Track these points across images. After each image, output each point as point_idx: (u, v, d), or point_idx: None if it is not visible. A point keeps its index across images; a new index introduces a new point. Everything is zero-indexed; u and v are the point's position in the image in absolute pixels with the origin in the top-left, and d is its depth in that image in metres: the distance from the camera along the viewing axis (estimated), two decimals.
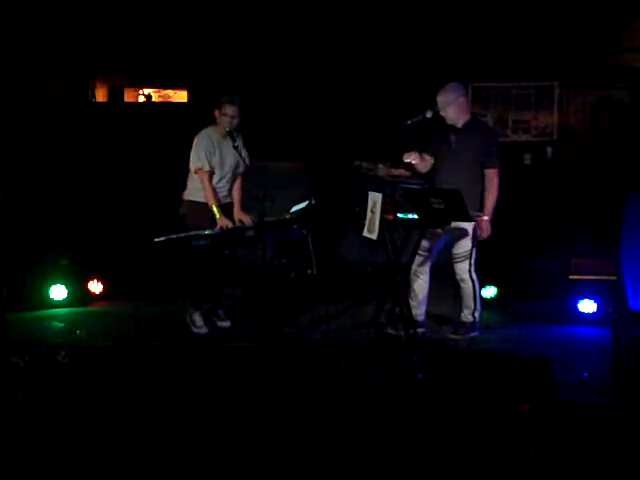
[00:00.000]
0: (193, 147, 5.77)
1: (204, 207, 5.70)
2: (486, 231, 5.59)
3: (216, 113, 5.75)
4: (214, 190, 5.73)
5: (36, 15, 7.83)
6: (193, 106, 5.88)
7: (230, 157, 5.82)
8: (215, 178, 5.78)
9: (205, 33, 8.27)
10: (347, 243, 7.57)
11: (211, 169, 5.72)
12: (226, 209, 5.78)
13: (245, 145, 5.84)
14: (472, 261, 5.64)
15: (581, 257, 6.67)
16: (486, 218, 5.54)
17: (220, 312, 6.08)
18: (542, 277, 7.35)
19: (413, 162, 5.65)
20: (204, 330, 5.87)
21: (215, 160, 5.75)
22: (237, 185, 5.98)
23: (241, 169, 5.90)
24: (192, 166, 5.75)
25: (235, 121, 5.72)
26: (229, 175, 5.86)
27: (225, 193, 5.88)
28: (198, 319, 5.90)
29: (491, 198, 5.60)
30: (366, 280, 7.24)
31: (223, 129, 5.75)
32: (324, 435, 3.77)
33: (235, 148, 5.73)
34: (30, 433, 3.81)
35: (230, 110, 5.70)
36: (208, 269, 5.84)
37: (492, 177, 5.59)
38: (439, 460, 3.55)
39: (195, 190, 5.78)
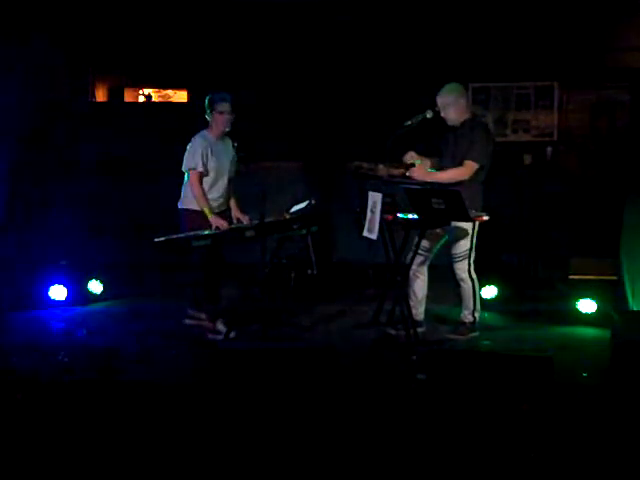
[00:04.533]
0: (188, 149, 5.73)
1: (201, 213, 5.66)
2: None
3: (210, 116, 5.72)
4: (203, 191, 5.68)
5: (36, 15, 7.83)
6: (193, 106, 5.86)
7: (227, 161, 5.80)
8: (212, 182, 5.74)
9: (205, 33, 8.27)
10: (347, 243, 7.57)
11: (203, 171, 5.65)
12: (223, 216, 5.73)
13: (234, 148, 5.84)
14: (471, 261, 5.64)
15: (581, 257, 6.67)
16: (486, 218, 5.53)
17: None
18: (542, 277, 7.36)
19: (411, 161, 5.64)
20: (221, 337, 5.79)
21: (212, 164, 5.70)
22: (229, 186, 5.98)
23: (234, 170, 5.91)
24: (185, 167, 5.69)
25: (231, 118, 5.70)
26: (226, 179, 5.82)
27: (222, 200, 5.84)
28: (222, 327, 5.80)
29: (444, 175, 5.51)
30: (366, 280, 7.25)
31: (220, 130, 5.73)
32: (324, 435, 3.77)
33: (234, 148, 5.76)
34: (30, 433, 3.82)
35: (226, 107, 5.67)
36: (208, 270, 5.83)
37: (466, 165, 5.48)
38: (439, 460, 3.55)
39: (192, 198, 5.74)
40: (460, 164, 5.52)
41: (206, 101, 5.75)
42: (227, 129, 5.72)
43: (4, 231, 7.08)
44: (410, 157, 5.67)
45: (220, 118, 5.68)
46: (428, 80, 6.27)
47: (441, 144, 5.76)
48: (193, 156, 5.65)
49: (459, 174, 5.49)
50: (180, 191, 5.82)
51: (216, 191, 5.78)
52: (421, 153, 5.74)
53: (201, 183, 5.66)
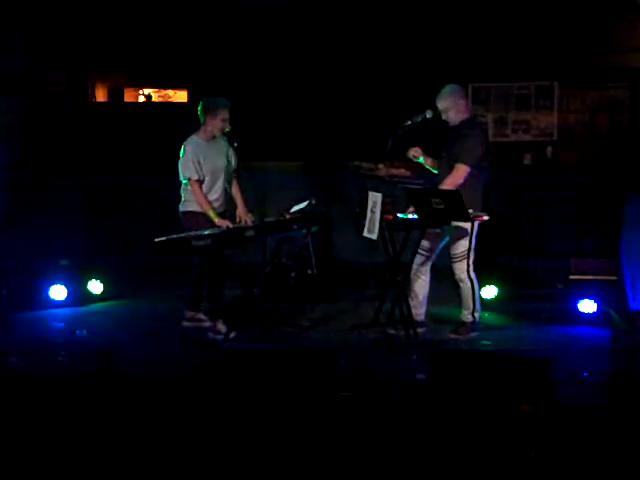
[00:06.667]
0: (180, 158, 5.75)
1: (202, 215, 5.69)
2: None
3: (208, 118, 5.71)
4: (205, 196, 5.71)
5: (36, 15, 7.83)
6: (193, 106, 5.86)
7: (219, 159, 5.81)
8: (209, 185, 5.76)
9: (205, 33, 8.27)
10: (347, 243, 7.57)
11: (200, 177, 5.69)
12: (223, 216, 5.75)
13: (230, 145, 5.85)
14: (470, 261, 5.63)
15: (581, 257, 6.67)
16: (486, 218, 5.53)
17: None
18: (542, 277, 7.35)
19: (415, 157, 5.65)
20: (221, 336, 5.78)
21: (206, 167, 5.72)
22: (234, 183, 5.98)
23: (233, 167, 5.91)
24: (182, 177, 5.74)
25: (227, 124, 5.72)
26: (222, 178, 5.83)
27: (221, 201, 5.86)
28: (222, 327, 5.79)
29: (444, 187, 5.46)
30: (366, 280, 7.24)
31: (213, 134, 5.74)
32: (324, 435, 3.77)
33: (234, 148, 5.77)
34: (30, 433, 3.82)
35: (226, 114, 5.70)
36: (209, 270, 5.83)
37: (457, 169, 5.46)
38: (439, 460, 3.55)
39: (191, 201, 5.76)
40: (451, 167, 5.51)
41: (204, 104, 5.74)
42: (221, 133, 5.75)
43: (4, 230, 7.07)
44: (414, 152, 5.67)
45: (219, 124, 5.70)
46: (428, 80, 6.28)
47: (442, 144, 5.76)
48: (187, 166, 5.69)
49: (454, 181, 5.46)
50: (179, 193, 5.84)
51: (214, 193, 5.80)
52: None
53: (201, 189, 5.69)
